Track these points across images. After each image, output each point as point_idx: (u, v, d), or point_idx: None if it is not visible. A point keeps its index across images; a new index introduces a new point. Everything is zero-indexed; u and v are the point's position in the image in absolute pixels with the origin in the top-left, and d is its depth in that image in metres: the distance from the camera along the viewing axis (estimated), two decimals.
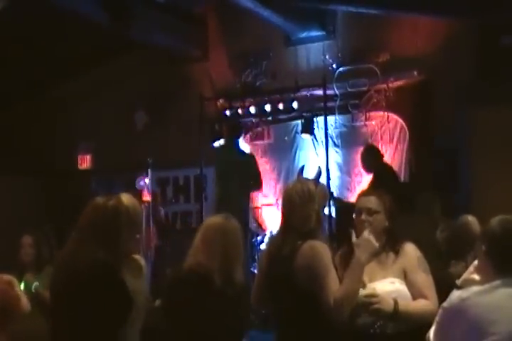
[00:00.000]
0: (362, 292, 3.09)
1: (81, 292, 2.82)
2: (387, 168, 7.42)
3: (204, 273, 3.10)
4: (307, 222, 3.30)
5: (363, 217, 3.28)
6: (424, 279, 3.19)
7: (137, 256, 3.22)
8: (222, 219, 3.29)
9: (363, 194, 3.48)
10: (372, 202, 3.31)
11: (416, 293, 3.15)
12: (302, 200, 3.31)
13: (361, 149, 7.76)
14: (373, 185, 6.87)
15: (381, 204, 3.31)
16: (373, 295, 3.06)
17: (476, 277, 2.63)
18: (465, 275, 2.73)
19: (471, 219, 4.46)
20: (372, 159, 7.36)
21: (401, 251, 3.27)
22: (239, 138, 8.22)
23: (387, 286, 3.16)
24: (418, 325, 2.94)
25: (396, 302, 3.05)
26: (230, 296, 3.06)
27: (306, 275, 3.17)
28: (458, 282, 2.77)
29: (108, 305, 2.80)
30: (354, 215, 3.33)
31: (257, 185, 7.83)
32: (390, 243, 3.29)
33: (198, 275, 3.12)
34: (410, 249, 3.30)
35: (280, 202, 3.46)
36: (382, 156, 7.55)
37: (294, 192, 3.36)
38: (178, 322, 3.13)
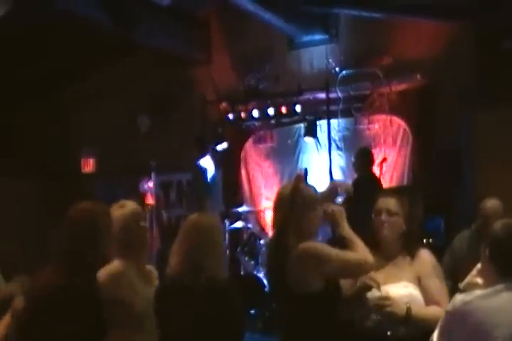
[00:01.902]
0: (375, 294, 3.09)
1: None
2: (370, 175, 7.32)
3: (176, 276, 3.05)
4: (302, 224, 3.22)
5: (383, 217, 3.28)
6: (438, 285, 3.18)
7: (150, 267, 3.28)
8: (196, 217, 3.24)
9: (383, 195, 3.43)
10: (393, 203, 3.31)
11: (429, 299, 3.15)
12: (296, 203, 3.22)
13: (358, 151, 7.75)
14: (360, 190, 6.90)
15: (401, 206, 3.32)
16: (386, 298, 3.07)
17: (479, 280, 2.63)
18: (468, 279, 2.73)
19: None
20: (360, 163, 7.30)
21: (417, 257, 3.28)
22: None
23: (400, 290, 3.17)
24: (429, 329, 2.94)
25: (409, 307, 3.05)
26: (205, 294, 2.97)
27: (309, 275, 3.12)
28: (461, 285, 2.77)
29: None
30: (373, 215, 3.32)
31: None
32: (408, 247, 3.29)
33: (171, 279, 3.08)
34: (426, 255, 3.31)
35: (273, 205, 3.34)
36: (371, 163, 7.43)
37: (288, 195, 3.27)
38: (166, 327, 3.06)
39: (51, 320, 2.83)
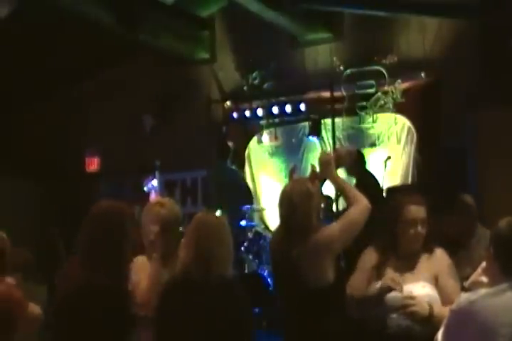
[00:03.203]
0: (399, 294, 3.12)
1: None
2: (370, 175, 7.30)
3: (184, 273, 3.05)
4: (308, 220, 3.28)
5: (419, 229, 3.27)
6: (454, 285, 3.21)
7: None
8: (201, 214, 3.24)
9: (412, 202, 3.34)
10: (423, 211, 3.31)
11: (445, 299, 3.17)
12: (302, 200, 3.28)
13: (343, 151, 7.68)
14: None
15: (426, 210, 3.32)
16: (411, 298, 3.11)
17: (484, 279, 2.62)
18: (473, 278, 2.73)
19: None
20: (355, 165, 7.25)
21: (433, 256, 3.32)
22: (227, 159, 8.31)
23: (420, 290, 3.20)
24: None
25: (431, 307, 3.09)
26: (214, 291, 2.96)
27: (322, 265, 3.22)
28: (466, 284, 2.76)
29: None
30: (404, 225, 3.28)
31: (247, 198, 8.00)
32: (426, 246, 3.32)
33: (180, 276, 3.08)
34: (442, 255, 3.35)
35: (278, 203, 3.40)
36: (364, 162, 7.41)
37: (293, 192, 3.34)
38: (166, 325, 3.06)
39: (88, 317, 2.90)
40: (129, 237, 3.11)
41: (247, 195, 8.01)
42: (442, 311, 3.06)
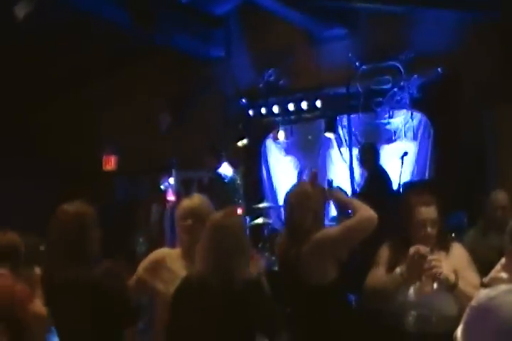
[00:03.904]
0: (416, 291, 3.15)
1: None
2: (382, 169, 7.30)
3: (200, 279, 3.02)
4: (304, 221, 3.41)
5: (429, 230, 3.28)
6: (474, 278, 3.19)
7: None
8: (217, 216, 3.18)
9: (421, 203, 3.35)
10: (434, 211, 3.31)
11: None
12: (297, 202, 3.45)
13: (361, 146, 7.71)
14: (367, 185, 6.89)
15: (437, 210, 3.32)
16: (439, 261, 3.09)
17: (504, 275, 2.59)
18: (492, 274, 2.70)
19: None
20: (369, 158, 7.26)
21: (451, 251, 3.31)
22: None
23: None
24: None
25: (457, 276, 3.08)
26: (228, 296, 2.95)
27: (325, 262, 3.30)
28: (485, 280, 2.73)
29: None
30: (414, 227, 3.29)
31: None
32: (441, 243, 3.31)
33: (195, 282, 3.05)
34: (460, 249, 3.35)
35: (291, 201, 3.58)
36: (378, 157, 7.41)
37: (291, 194, 3.54)
38: (184, 329, 3.05)
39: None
40: (91, 237, 3.15)
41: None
42: (465, 287, 3.07)
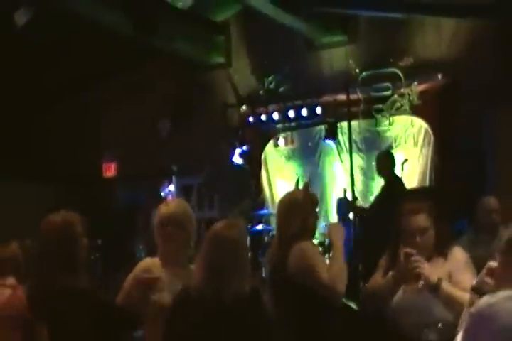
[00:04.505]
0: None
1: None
2: (398, 178, 7.30)
3: (196, 291, 2.94)
4: (289, 228, 3.47)
5: (418, 239, 3.23)
6: (470, 279, 3.06)
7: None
8: (218, 227, 3.05)
9: (410, 212, 3.30)
10: (423, 219, 3.26)
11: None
12: (284, 209, 3.57)
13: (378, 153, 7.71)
14: (384, 192, 6.89)
15: (429, 216, 3.27)
16: (422, 262, 3.07)
17: (489, 281, 2.59)
18: (479, 278, 2.69)
19: None
20: (386, 166, 7.26)
21: (449, 255, 3.28)
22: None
23: None
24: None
25: (440, 279, 3.05)
26: (221, 310, 2.86)
27: (301, 274, 3.32)
28: (473, 283, 2.73)
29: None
30: (404, 236, 3.27)
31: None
32: (438, 248, 3.28)
33: (192, 294, 2.97)
34: (458, 253, 3.30)
35: (283, 208, 3.67)
36: (394, 164, 7.41)
37: (279, 202, 3.69)
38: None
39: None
40: (79, 245, 3.14)
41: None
42: (451, 289, 3.05)
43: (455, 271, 3.19)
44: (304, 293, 3.32)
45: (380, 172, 7.20)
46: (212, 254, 2.95)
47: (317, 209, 3.75)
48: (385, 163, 7.20)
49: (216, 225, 3.06)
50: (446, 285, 3.06)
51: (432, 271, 3.09)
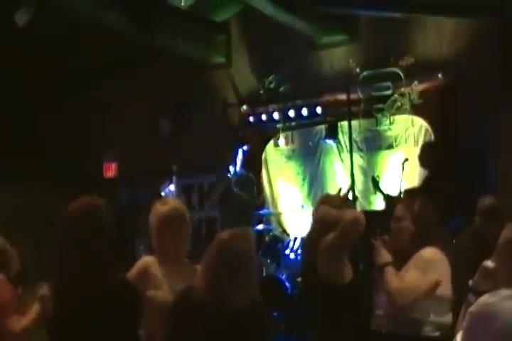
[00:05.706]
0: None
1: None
2: (442, 166, 7.33)
3: (197, 297, 2.87)
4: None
5: (392, 226, 3.48)
6: (413, 277, 3.26)
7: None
8: (227, 236, 2.90)
9: (399, 202, 3.70)
10: (399, 209, 3.48)
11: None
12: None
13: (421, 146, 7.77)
14: (428, 182, 6.91)
15: (406, 210, 3.43)
16: (380, 249, 3.44)
17: (484, 280, 2.60)
18: (475, 278, 2.69)
19: None
20: (429, 157, 7.28)
21: (417, 253, 3.34)
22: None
23: None
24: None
25: (387, 262, 3.34)
26: (220, 319, 2.80)
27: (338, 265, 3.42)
28: (470, 283, 2.73)
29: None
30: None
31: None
32: (412, 248, 3.36)
33: (193, 299, 2.91)
34: (425, 253, 3.34)
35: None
36: (439, 154, 7.43)
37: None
38: None
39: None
40: (109, 232, 3.10)
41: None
42: (388, 276, 3.27)
43: (406, 268, 3.31)
44: (334, 292, 3.43)
45: (423, 164, 7.22)
46: (217, 263, 2.86)
47: None
48: (427, 154, 7.22)
49: (224, 234, 2.92)
50: (388, 270, 3.28)
51: (386, 256, 3.34)
